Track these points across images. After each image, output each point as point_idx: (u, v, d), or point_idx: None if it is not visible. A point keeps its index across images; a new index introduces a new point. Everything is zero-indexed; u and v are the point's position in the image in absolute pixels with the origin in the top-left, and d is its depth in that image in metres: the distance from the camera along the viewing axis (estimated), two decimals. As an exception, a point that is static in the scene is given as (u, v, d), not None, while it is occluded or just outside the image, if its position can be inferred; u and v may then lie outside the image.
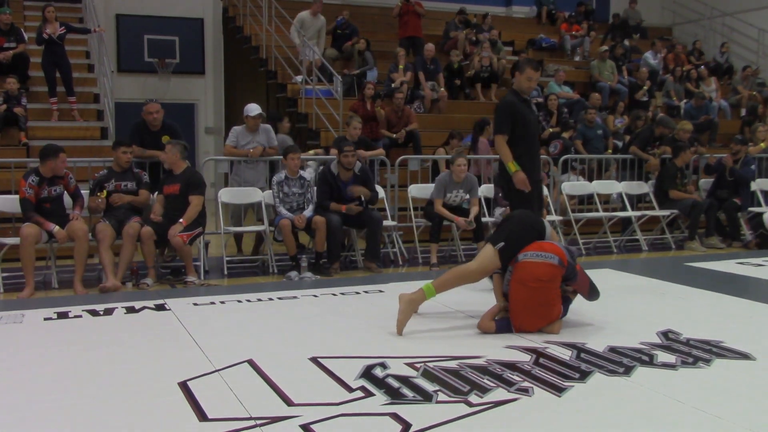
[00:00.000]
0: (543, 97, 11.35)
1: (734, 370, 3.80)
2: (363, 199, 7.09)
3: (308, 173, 7.37)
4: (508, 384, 3.50)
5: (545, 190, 7.50)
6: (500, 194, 7.84)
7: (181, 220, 6.27)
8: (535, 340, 4.26)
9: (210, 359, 3.89)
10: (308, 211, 6.91)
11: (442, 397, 3.32)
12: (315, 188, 7.19)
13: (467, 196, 7.47)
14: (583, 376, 3.64)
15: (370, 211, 7.14)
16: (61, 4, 10.62)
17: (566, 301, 4.56)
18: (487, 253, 4.52)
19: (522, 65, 5.74)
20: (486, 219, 7.77)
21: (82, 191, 6.43)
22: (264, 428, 2.97)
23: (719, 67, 14.86)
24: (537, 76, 5.60)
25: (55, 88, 9.39)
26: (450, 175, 7.32)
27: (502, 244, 4.46)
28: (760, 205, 9.34)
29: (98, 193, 6.37)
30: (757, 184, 9.45)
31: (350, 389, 3.42)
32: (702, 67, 13.93)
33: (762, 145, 10.14)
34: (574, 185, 9.01)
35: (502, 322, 4.46)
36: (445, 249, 8.03)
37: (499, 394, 3.37)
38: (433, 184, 7.51)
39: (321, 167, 7.66)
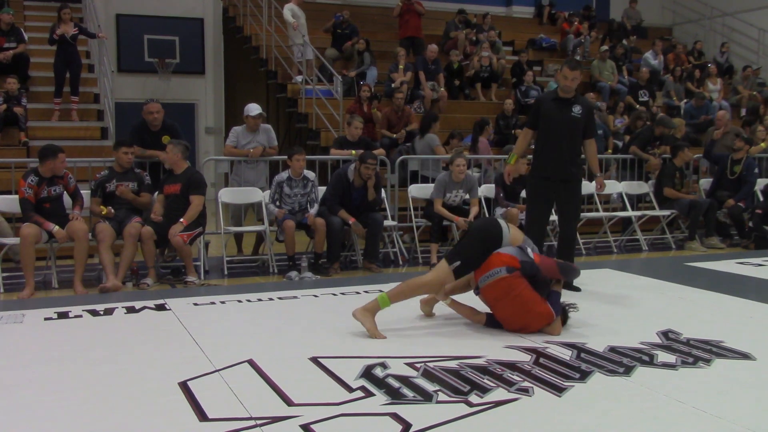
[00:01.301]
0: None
1: (734, 370, 3.80)
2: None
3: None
4: (509, 384, 3.50)
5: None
6: (501, 194, 7.89)
7: (181, 219, 6.27)
8: (535, 340, 4.26)
9: (210, 359, 3.89)
10: (314, 211, 6.91)
11: (442, 397, 3.32)
12: (319, 188, 7.20)
13: (467, 196, 7.46)
14: (583, 376, 3.64)
15: (371, 213, 7.14)
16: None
17: (554, 297, 4.43)
18: (442, 267, 4.50)
19: (562, 64, 5.87)
20: (486, 219, 7.77)
21: (82, 191, 6.42)
22: (264, 428, 2.97)
23: (719, 67, 14.85)
24: (573, 75, 5.61)
25: (62, 89, 9.41)
26: (449, 175, 7.32)
27: (457, 263, 4.44)
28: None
29: (101, 206, 6.35)
30: (757, 184, 9.43)
31: (350, 389, 3.42)
32: (710, 65, 13.89)
33: (762, 145, 10.13)
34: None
35: (491, 317, 4.52)
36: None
37: (499, 394, 3.37)
38: (433, 184, 7.50)
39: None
